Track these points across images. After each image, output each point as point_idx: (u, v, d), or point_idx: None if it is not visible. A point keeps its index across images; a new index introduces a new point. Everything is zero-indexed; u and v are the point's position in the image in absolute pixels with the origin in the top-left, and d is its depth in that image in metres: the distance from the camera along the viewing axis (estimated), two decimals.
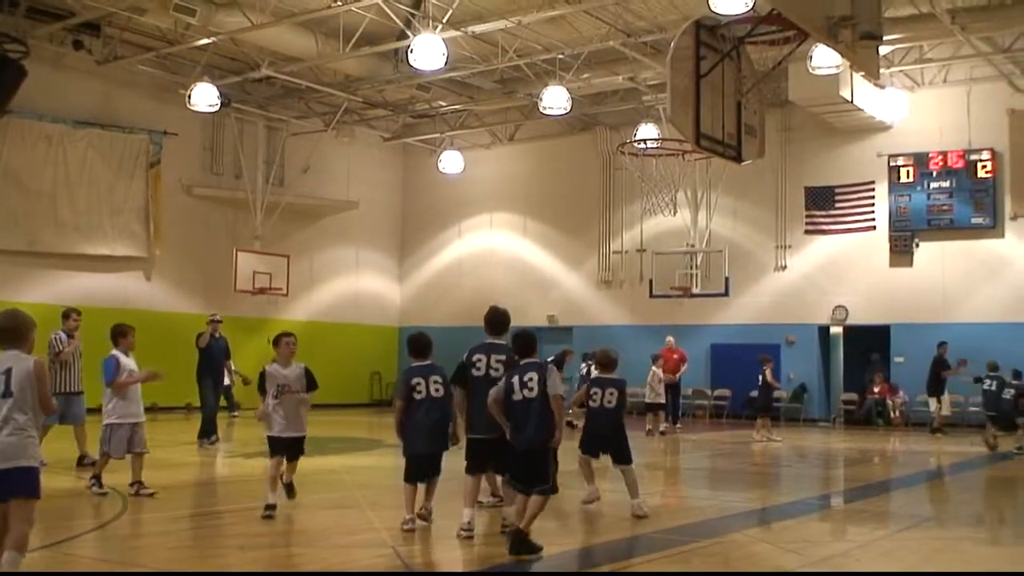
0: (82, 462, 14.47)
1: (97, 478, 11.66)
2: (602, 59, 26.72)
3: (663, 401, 23.85)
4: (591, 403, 10.97)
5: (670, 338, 26.34)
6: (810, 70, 23.85)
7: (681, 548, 9.01)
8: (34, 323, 6.95)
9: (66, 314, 15.33)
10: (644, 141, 27.51)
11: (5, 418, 6.42)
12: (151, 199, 29.24)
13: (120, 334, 11.86)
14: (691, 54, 12.56)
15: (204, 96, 26.72)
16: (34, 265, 27.23)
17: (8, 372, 6.52)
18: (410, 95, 31.11)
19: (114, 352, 11.63)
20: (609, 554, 8.69)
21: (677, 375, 25.57)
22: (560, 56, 25.75)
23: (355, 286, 35.38)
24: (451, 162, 34.61)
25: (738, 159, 14.29)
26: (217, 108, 27.53)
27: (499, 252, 35.25)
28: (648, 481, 16.19)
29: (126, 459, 11.61)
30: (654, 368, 23.76)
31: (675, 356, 25.77)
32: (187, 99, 26.82)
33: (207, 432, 18.65)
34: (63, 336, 15.03)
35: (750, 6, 17.40)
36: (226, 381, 20.68)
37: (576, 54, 25.78)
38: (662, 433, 23.23)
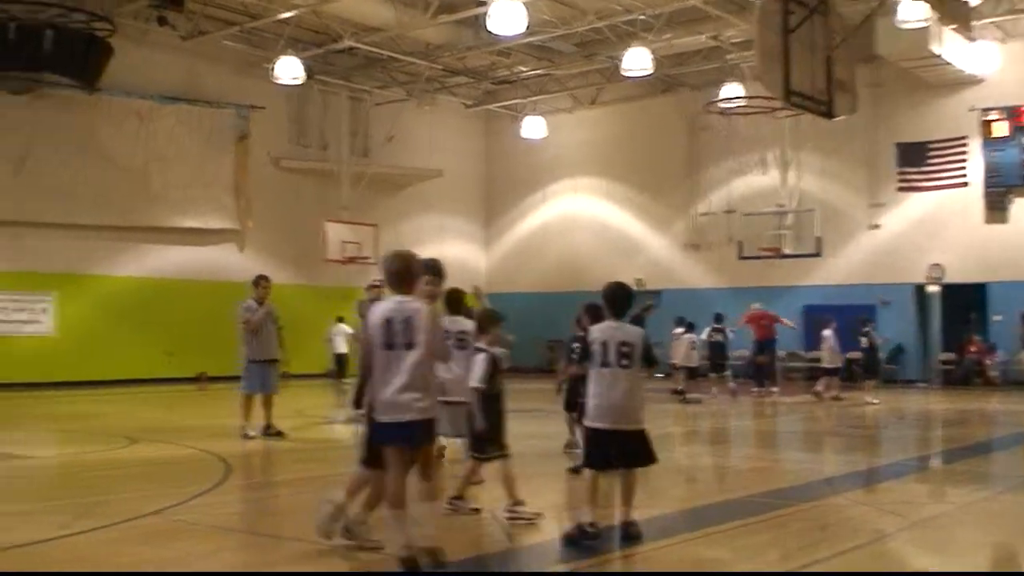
0: (268, 432, 14.21)
1: None
2: (684, 18, 26.38)
3: (838, 365, 23.26)
4: None
5: (756, 304, 26.00)
6: (897, 23, 23.31)
7: (778, 512, 8.94)
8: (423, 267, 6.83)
9: (256, 281, 14.90)
10: (732, 100, 27.09)
11: (411, 371, 6.35)
12: (240, 172, 29.67)
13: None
14: (779, 9, 12.30)
15: (288, 69, 26.96)
16: (128, 239, 27.83)
17: (407, 321, 6.41)
18: (491, 61, 31.05)
19: None
20: (705, 518, 8.65)
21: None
22: (641, 16, 25.49)
23: (440, 253, 34.77)
24: (533, 128, 34.53)
25: (829, 115, 14.04)
26: (301, 81, 27.75)
27: (584, 217, 35.13)
28: (742, 445, 16.15)
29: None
30: (826, 332, 23.29)
31: (764, 322, 25.45)
32: (271, 72, 27.08)
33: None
34: (253, 303, 14.59)
35: None
36: (343, 348, 20.01)
37: (657, 14, 25.49)
38: (836, 398, 22.64)
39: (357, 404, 7.56)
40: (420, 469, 6.57)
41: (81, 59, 24.40)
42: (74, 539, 7.41)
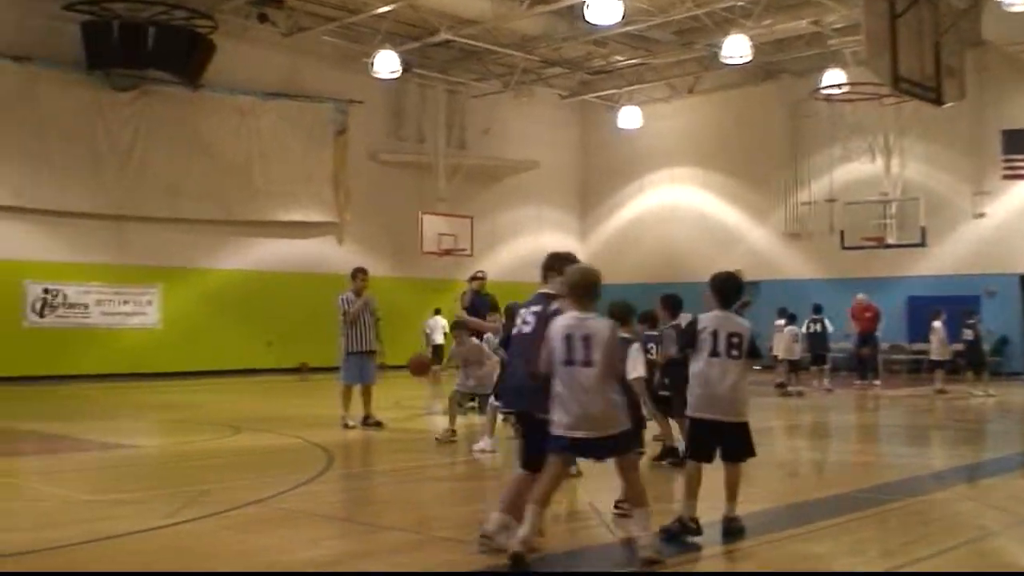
0: (367, 422, 14.38)
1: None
2: (784, 4, 25.98)
3: (947, 358, 22.76)
4: None
5: (860, 296, 25.56)
6: (1005, 7, 22.65)
7: (881, 507, 8.76)
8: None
9: (353, 274, 15.12)
10: (839, 86, 26.57)
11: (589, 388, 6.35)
12: (339, 166, 30.05)
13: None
14: None
15: (386, 63, 27.20)
16: (233, 233, 28.35)
17: (587, 338, 6.40)
18: (586, 52, 30.93)
19: None
20: (807, 514, 8.51)
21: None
22: (740, 3, 25.18)
23: (537, 245, 35.39)
24: (630, 117, 34.37)
25: (938, 101, 13.72)
26: (399, 74, 27.97)
27: (681, 207, 34.85)
28: (844, 438, 15.88)
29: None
30: (936, 324, 22.86)
31: (867, 315, 25.00)
32: (370, 67, 27.34)
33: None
34: (351, 296, 14.80)
35: None
36: (440, 340, 19.98)
37: (757, 0, 25.14)
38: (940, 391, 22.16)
39: (497, 396, 7.84)
40: (620, 473, 6.62)
41: (184, 56, 24.92)
42: (180, 527, 7.55)
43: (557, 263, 7.14)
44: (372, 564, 6.77)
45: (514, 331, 7.01)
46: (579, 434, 6.37)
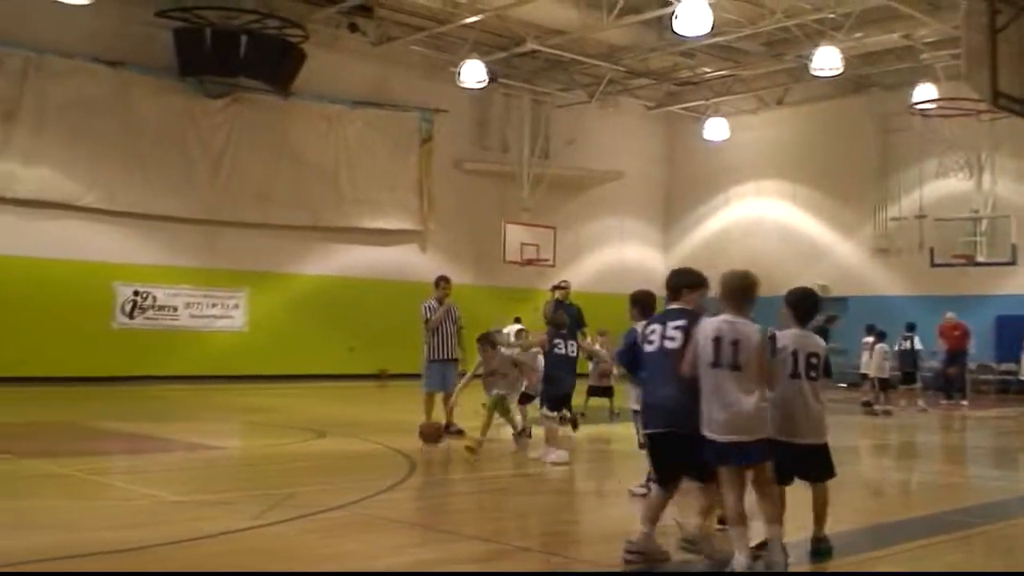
0: (448, 430, 14.15)
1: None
2: (876, 17, 25.63)
3: None
4: None
5: (950, 314, 25.09)
6: None
7: (967, 531, 8.56)
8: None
9: (436, 282, 15.21)
10: (935, 101, 26.15)
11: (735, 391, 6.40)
12: (424, 174, 30.26)
13: None
14: (985, 8, 11.78)
15: (473, 73, 27.37)
16: (318, 239, 28.68)
17: (736, 343, 6.44)
18: (674, 63, 30.80)
19: None
20: (890, 536, 8.35)
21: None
22: (831, 15, 24.90)
23: (620, 256, 35.43)
24: (716, 129, 34.13)
25: None
26: (485, 84, 28.09)
27: (767, 220, 34.51)
28: (930, 459, 15.58)
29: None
30: None
31: (956, 333, 24.53)
32: (456, 76, 27.50)
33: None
34: (434, 304, 14.89)
35: None
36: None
37: (848, 12, 24.85)
38: None
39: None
40: (757, 488, 6.60)
41: (275, 64, 25.28)
42: (269, 529, 7.63)
43: (689, 280, 7.26)
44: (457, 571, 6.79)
45: (650, 348, 6.90)
46: (729, 438, 6.38)
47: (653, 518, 6.79)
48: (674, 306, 7.10)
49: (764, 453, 6.53)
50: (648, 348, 6.96)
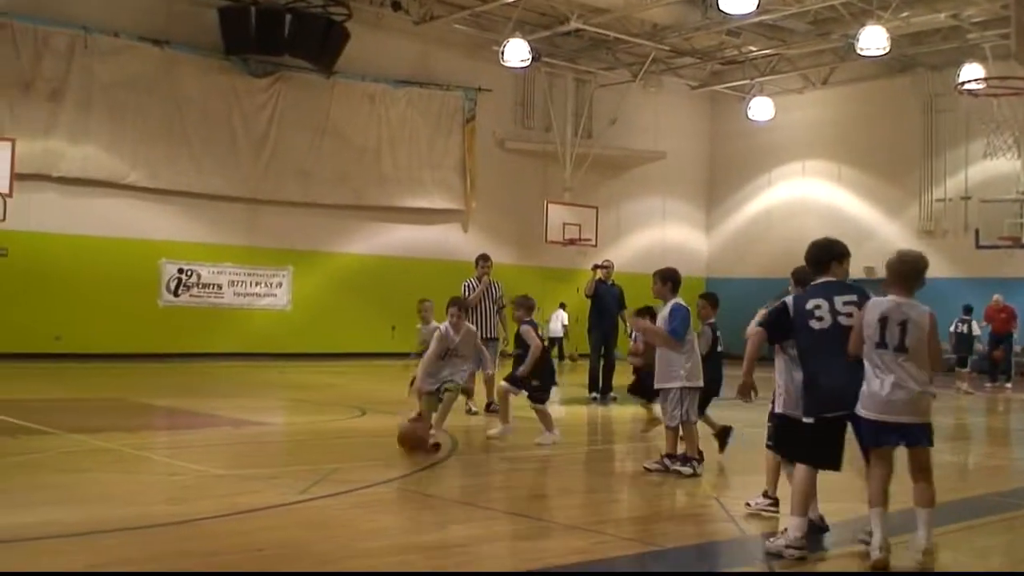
0: (489, 408, 14.30)
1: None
2: None
3: None
4: None
5: (997, 296, 24.83)
6: None
7: (1012, 512, 8.54)
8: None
9: (477, 260, 15.34)
10: (984, 80, 25.83)
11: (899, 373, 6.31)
12: (467, 153, 30.28)
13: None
14: None
15: (516, 52, 27.28)
16: (360, 218, 28.78)
17: (904, 324, 6.34)
18: (719, 41, 30.60)
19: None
20: (937, 517, 8.30)
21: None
22: None
23: (661, 236, 35.33)
24: (761, 109, 33.85)
25: None
26: (528, 63, 28.04)
27: (811, 201, 34.22)
28: (976, 441, 15.46)
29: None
30: None
31: (1002, 315, 24.30)
32: (500, 55, 27.47)
33: (591, 387, 17.68)
34: (473, 283, 14.98)
35: None
36: (559, 332, 19.31)
37: None
38: None
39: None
40: (915, 472, 6.51)
41: (319, 43, 25.36)
42: (314, 503, 7.71)
43: (839, 251, 7.15)
44: (497, 549, 6.83)
45: (820, 325, 6.63)
46: (890, 419, 6.32)
47: (807, 505, 6.69)
48: (827, 279, 6.91)
49: (925, 436, 6.43)
50: (816, 325, 6.68)
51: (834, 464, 6.67)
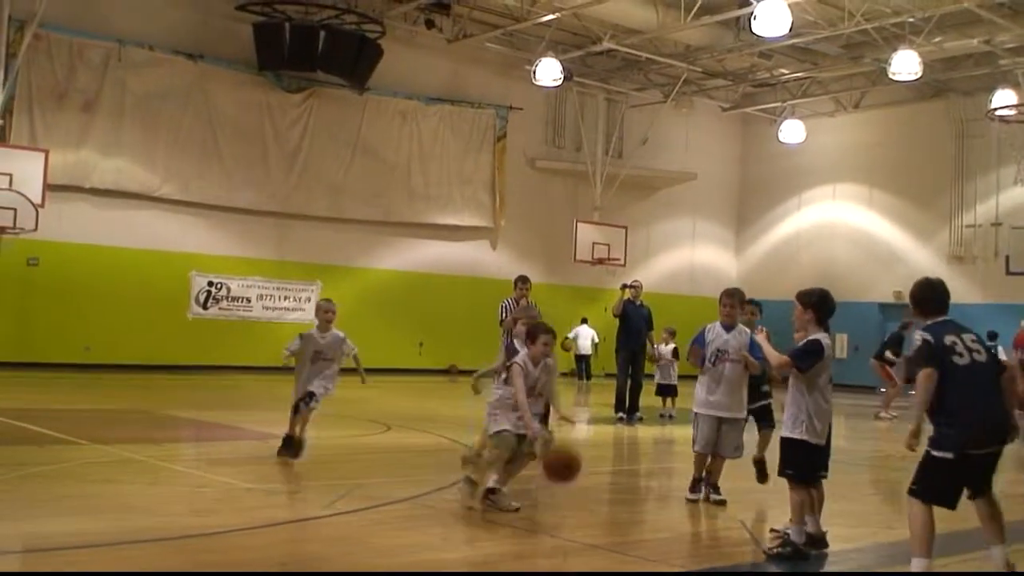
0: None
1: None
2: (955, 21, 25.24)
3: None
4: None
5: None
6: None
7: None
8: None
9: (515, 282, 15.04)
10: (1016, 107, 25.75)
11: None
12: (497, 171, 30.35)
13: None
14: None
15: (548, 71, 27.38)
16: (390, 234, 28.87)
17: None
18: (751, 63, 30.56)
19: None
20: (955, 544, 8.21)
21: None
22: (910, 19, 24.55)
23: (690, 258, 35.27)
24: (792, 131, 33.78)
25: None
26: (560, 82, 28.10)
27: (841, 224, 34.11)
28: (1000, 469, 15.27)
29: None
30: None
31: None
32: (532, 74, 27.56)
33: (618, 407, 17.68)
34: (510, 303, 14.59)
35: None
36: (587, 350, 18.83)
37: (928, 16, 24.47)
38: None
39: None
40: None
41: (352, 60, 25.47)
42: (338, 519, 7.72)
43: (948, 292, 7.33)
44: (520, 566, 6.81)
45: (962, 361, 6.63)
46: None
47: (931, 544, 6.67)
48: (945, 317, 7.03)
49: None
50: (958, 361, 6.64)
51: (952, 503, 6.66)
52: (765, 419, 9.88)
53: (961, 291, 30.75)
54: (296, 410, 11.54)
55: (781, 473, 7.50)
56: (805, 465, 7.39)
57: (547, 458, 8.15)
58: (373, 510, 8.12)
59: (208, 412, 16.27)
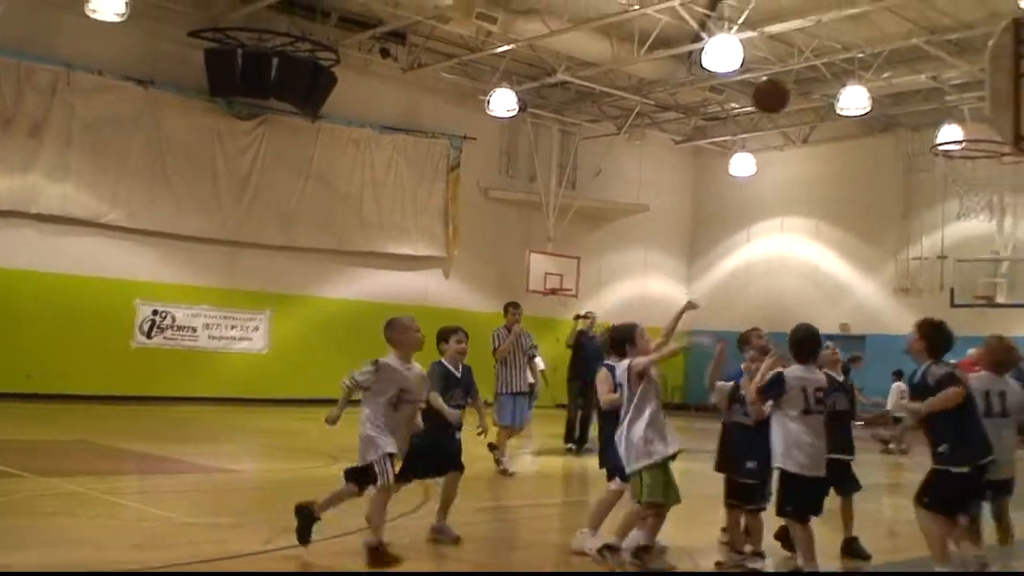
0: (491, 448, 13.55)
1: None
2: (903, 58, 25.62)
3: None
4: None
5: (971, 350, 24.93)
6: None
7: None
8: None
9: (505, 308, 14.81)
10: (959, 143, 26.14)
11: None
12: (450, 201, 30.30)
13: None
14: (1010, 53, 11.81)
15: (502, 102, 27.43)
16: (342, 262, 28.68)
17: (1003, 394, 8.18)
18: (702, 97, 30.82)
19: None
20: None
21: None
22: (859, 55, 24.89)
23: (642, 288, 35.36)
24: (742, 165, 34.07)
25: None
26: (514, 113, 28.18)
27: (789, 257, 34.41)
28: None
29: None
30: None
31: (976, 369, 24.41)
32: (486, 105, 27.61)
33: (568, 437, 17.64)
34: (503, 332, 14.34)
35: None
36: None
37: (876, 52, 24.84)
38: None
39: None
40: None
41: (306, 87, 25.34)
42: (277, 554, 7.61)
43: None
44: None
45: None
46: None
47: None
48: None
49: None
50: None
51: (968, 509, 8.01)
52: None
53: (907, 323, 30.79)
54: (360, 478, 8.11)
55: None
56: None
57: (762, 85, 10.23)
58: (315, 544, 8.01)
59: (152, 444, 16.02)
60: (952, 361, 8.45)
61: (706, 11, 23.77)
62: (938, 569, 7.47)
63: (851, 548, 8.90)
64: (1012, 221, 28.56)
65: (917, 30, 23.30)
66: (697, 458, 9.96)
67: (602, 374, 8.54)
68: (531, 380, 14.79)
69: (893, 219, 31.83)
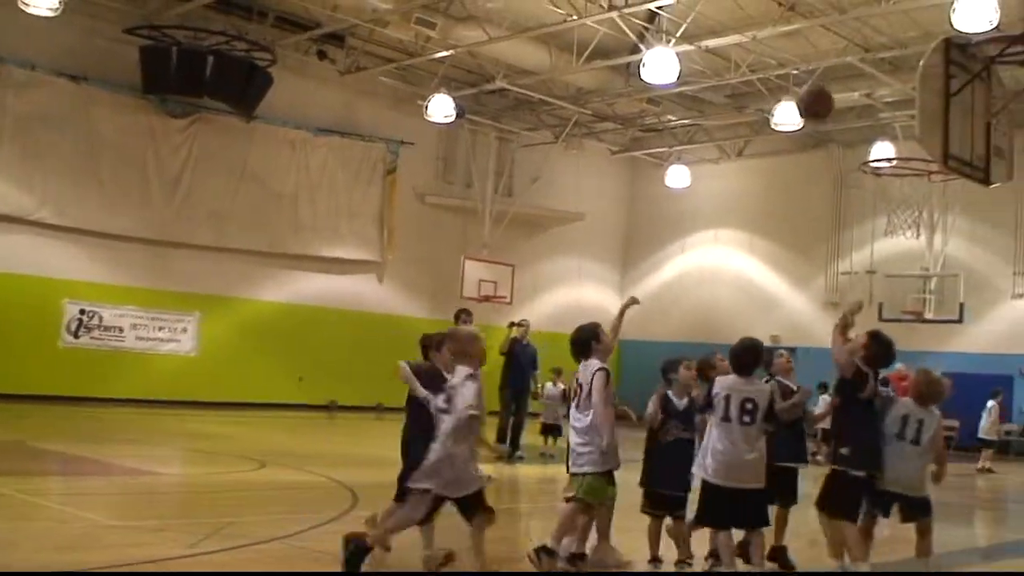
0: None
1: None
2: (838, 75, 25.91)
3: (994, 438, 23.74)
4: None
5: (899, 365, 25.29)
6: None
7: None
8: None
9: (456, 315, 15.38)
10: (889, 160, 26.57)
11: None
12: (386, 205, 30.19)
13: None
14: (940, 72, 12.07)
15: (440, 107, 27.37)
16: (274, 265, 28.44)
17: (921, 423, 8.57)
18: (640, 109, 31.01)
19: None
20: None
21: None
22: (794, 71, 25.19)
23: (577, 296, 35.45)
24: (677, 177, 34.36)
25: (986, 181, 13.67)
26: (452, 119, 28.15)
27: (722, 269, 34.72)
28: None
29: None
30: (991, 403, 23.65)
31: (903, 383, 24.80)
32: (424, 110, 27.54)
33: (500, 439, 17.55)
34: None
35: (994, 24, 16.71)
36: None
37: (811, 69, 25.11)
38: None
39: None
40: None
41: (241, 87, 25.13)
42: (201, 558, 7.53)
43: None
44: None
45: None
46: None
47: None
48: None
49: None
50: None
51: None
52: None
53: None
54: (404, 491, 7.91)
55: None
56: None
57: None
58: (241, 549, 7.95)
59: (79, 445, 15.78)
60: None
61: (644, 23, 23.90)
62: (863, 569, 7.68)
63: (777, 556, 8.95)
64: (941, 238, 29.08)
65: (852, 47, 23.62)
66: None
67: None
68: None
69: (824, 234, 32.26)
